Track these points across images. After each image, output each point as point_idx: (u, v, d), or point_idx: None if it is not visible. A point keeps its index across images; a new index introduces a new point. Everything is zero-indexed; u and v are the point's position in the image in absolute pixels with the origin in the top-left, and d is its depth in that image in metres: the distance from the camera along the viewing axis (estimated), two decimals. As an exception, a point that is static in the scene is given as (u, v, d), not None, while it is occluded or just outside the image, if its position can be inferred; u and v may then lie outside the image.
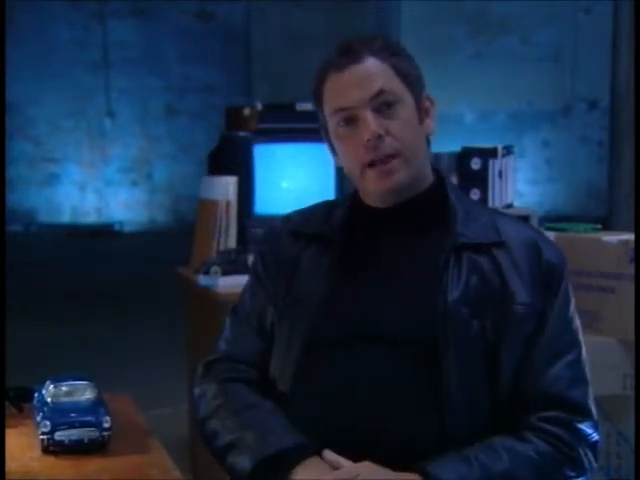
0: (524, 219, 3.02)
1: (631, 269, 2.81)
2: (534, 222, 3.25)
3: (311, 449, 1.63)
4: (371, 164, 1.68)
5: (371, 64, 1.68)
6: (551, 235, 2.82)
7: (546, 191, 12.15)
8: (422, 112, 1.72)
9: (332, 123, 1.73)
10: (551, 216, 8.81)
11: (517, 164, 4.15)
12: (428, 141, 1.76)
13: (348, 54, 1.69)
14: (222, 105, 5.48)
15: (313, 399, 1.69)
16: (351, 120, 1.69)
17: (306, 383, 1.71)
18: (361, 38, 1.72)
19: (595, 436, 1.68)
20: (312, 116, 4.35)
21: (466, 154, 3.40)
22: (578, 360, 1.70)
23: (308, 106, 4.08)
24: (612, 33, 7.38)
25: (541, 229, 2.92)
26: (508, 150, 3.46)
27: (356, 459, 1.62)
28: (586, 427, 1.67)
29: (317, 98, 1.75)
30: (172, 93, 12.34)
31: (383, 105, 1.67)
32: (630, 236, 2.87)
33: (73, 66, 12.01)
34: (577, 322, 1.72)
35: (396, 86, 1.68)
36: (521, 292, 1.67)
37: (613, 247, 2.87)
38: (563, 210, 11.47)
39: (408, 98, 1.69)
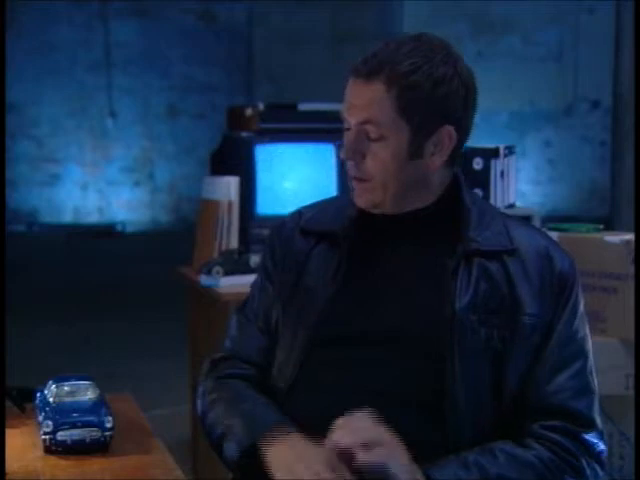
0: (526, 219, 3.02)
1: (633, 269, 2.80)
2: (536, 222, 3.25)
3: (290, 427, 1.63)
4: (351, 177, 1.69)
5: (374, 89, 1.62)
6: (553, 235, 2.81)
7: (548, 191, 12.15)
8: (423, 146, 1.65)
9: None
10: (553, 216, 8.80)
11: (519, 164, 4.15)
12: (454, 159, 1.69)
13: (366, 66, 1.64)
14: (224, 105, 5.48)
15: (313, 398, 1.69)
16: (347, 129, 1.68)
17: (307, 381, 1.70)
18: (395, 45, 1.64)
19: (600, 445, 1.66)
20: (314, 116, 4.35)
21: (468, 154, 3.40)
22: (584, 370, 1.67)
23: (310, 106, 4.08)
24: (615, 33, 7.37)
25: (544, 229, 2.92)
26: (510, 150, 3.46)
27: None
28: (590, 437, 1.65)
29: None
30: (174, 93, 12.34)
31: (368, 134, 1.64)
32: (632, 236, 2.87)
33: (75, 66, 12.01)
34: (585, 330, 1.70)
35: (388, 121, 1.62)
36: (530, 302, 1.65)
37: (616, 247, 2.86)
38: (565, 210, 11.46)
39: (400, 134, 1.63)
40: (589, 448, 1.64)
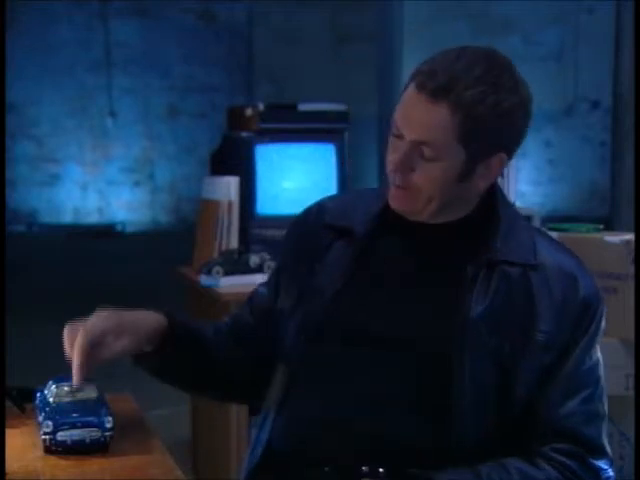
0: (526, 219, 3.01)
1: (633, 269, 2.81)
2: (536, 222, 3.25)
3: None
4: (392, 181, 1.65)
5: (438, 112, 1.56)
6: (553, 235, 2.81)
7: (548, 191, 12.15)
8: (476, 169, 1.62)
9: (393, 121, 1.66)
10: (553, 216, 8.80)
11: (519, 164, 4.15)
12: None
13: (433, 82, 1.57)
14: (224, 105, 5.48)
15: (313, 396, 1.69)
16: (398, 136, 1.63)
17: (308, 378, 1.70)
18: (467, 65, 1.57)
19: (609, 472, 1.65)
20: (314, 116, 4.34)
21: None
22: (595, 395, 1.65)
23: (310, 106, 4.08)
24: (615, 33, 7.37)
25: (544, 229, 2.91)
26: (510, 150, 3.45)
27: (353, 460, 1.61)
28: (600, 463, 1.64)
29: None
30: (174, 93, 12.34)
31: (422, 153, 1.60)
32: (632, 236, 2.87)
33: (75, 66, 12.02)
34: (598, 354, 1.67)
35: (445, 145, 1.58)
36: (547, 320, 1.61)
37: (616, 247, 2.86)
38: (565, 210, 11.47)
39: (456, 156, 1.59)
40: (598, 473, 1.63)
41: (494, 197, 1.70)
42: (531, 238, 1.68)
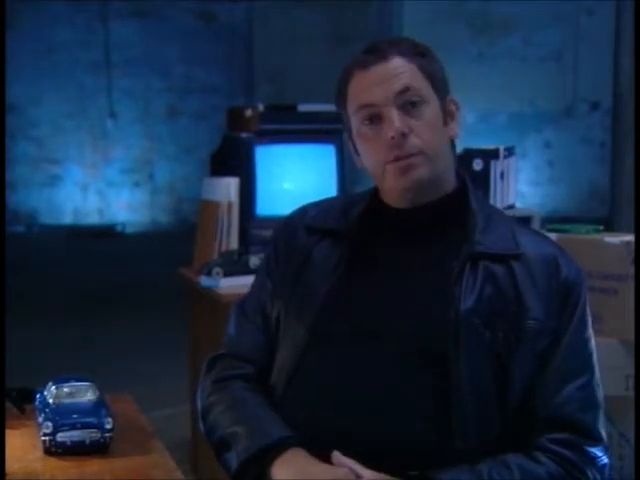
0: (526, 220, 3.02)
1: (633, 270, 2.81)
2: (536, 223, 3.24)
3: (292, 441, 1.63)
4: (393, 160, 1.66)
5: (397, 63, 1.67)
6: (553, 236, 2.81)
7: (548, 192, 12.15)
8: (447, 115, 1.71)
9: (356, 121, 1.70)
10: (553, 217, 8.80)
11: (519, 165, 4.16)
12: (453, 146, 1.74)
13: (374, 53, 1.68)
14: (224, 106, 5.48)
15: (311, 397, 1.68)
16: (375, 118, 1.67)
17: (305, 379, 1.70)
18: (388, 39, 1.72)
19: (604, 459, 1.66)
20: (314, 117, 4.35)
21: (468, 155, 3.39)
22: (590, 383, 1.67)
23: (310, 107, 4.09)
24: (614, 34, 7.37)
25: (543, 230, 2.92)
26: (510, 151, 3.46)
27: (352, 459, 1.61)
28: (596, 450, 1.65)
29: (341, 97, 1.73)
30: (174, 94, 12.34)
31: (408, 104, 1.66)
32: (632, 237, 2.87)
33: (75, 67, 12.01)
34: (592, 343, 1.69)
35: (422, 86, 1.67)
36: (536, 307, 1.64)
37: (615, 248, 2.86)
38: (565, 211, 11.46)
39: (433, 99, 1.69)
40: (594, 460, 1.64)
41: (466, 192, 1.72)
42: (510, 229, 1.71)
